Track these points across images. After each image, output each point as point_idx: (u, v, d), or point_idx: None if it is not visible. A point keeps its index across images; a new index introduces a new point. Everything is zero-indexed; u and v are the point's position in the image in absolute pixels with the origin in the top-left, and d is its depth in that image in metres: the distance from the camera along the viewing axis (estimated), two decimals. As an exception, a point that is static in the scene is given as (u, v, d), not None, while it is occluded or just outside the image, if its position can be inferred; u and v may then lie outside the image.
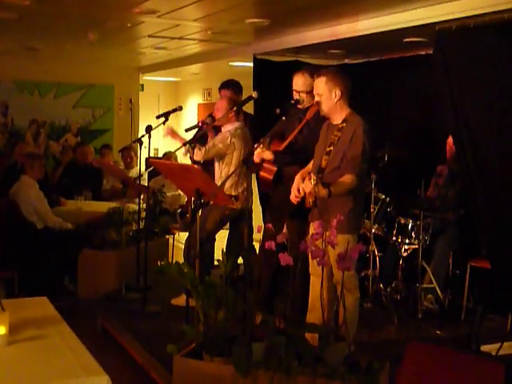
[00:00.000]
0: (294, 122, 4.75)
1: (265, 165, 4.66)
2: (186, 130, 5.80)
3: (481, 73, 4.33)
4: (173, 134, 5.65)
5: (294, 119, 4.77)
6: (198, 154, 5.30)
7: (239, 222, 5.63)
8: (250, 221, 5.41)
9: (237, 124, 5.45)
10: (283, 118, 4.36)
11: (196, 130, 5.70)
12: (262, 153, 4.66)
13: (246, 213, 5.37)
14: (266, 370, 3.24)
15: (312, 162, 4.37)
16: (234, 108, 5.13)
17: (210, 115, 5.61)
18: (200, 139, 5.41)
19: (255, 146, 4.49)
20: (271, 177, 4.66)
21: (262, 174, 4.68)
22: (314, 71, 4.76)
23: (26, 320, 3.08)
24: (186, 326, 3.61)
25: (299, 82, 4.72)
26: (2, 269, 5.64)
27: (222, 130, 5.46)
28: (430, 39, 4.85)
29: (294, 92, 4.74)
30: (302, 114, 4.71)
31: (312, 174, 3.82)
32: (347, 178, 3.97)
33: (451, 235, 5.68)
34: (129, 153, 8.27)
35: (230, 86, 6.03)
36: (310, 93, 4.63)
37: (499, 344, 4.43)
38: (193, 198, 4.39)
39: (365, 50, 6.77)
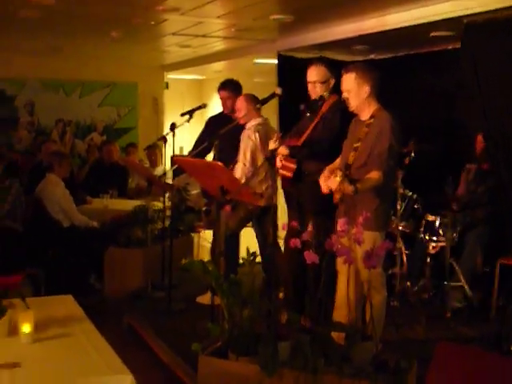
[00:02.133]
0: (310, 118, 4.73)
1: (284, 162, 4.62)
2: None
3: (509, 66, 4.24)
4: None
5: (310, 116, 4.75)
6: (241, 171, 5.30)
7: (263, 219, 5.60)
8: (275, 218, 5.38)
9: (259, 119, 5.47)
10: (308, 114, 4.32)
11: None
12: (275, 146, 4.62)
13: (271, 210, 5.36)
14: (292, 369, 3.21)
15: (339, 158, 4.32)
16: (258, 105, 5.08)
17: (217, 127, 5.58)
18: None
19: (270, 144, 4.47)
20: (290, 174, 4.62)
21: (281, 171, 4.63)
22: (328, 62, 4.76)
23: (51, 318, 3.09)
24: (211, 324, 3.59)
25: (313, 72, 4.71)
26: (28, 267, 5.66)
27: (246, 126, 5.45)
28: (458, 33, 4.76)
29: (309, 84, 4.72)
30: (309, 108, 4.68)
31: (338, 171, 3.76)
32: (374, 175, 3.91)
33: (481, 232, 5.59)
34: (154, 151, 8.28)
35: (227, 86, 6.06)
36: (325, 83, 4.64)
37: (530, 343, 4.34)
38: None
39: (391, 45, 6.68)
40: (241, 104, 5.55)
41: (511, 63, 4.23)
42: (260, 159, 5.35)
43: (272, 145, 4.66)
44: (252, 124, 5.43)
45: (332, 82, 4.72)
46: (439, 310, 5.41)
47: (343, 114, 4.43)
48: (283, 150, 4.59)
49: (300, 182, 4.67)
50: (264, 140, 5.39)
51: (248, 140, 5.38)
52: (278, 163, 4.58)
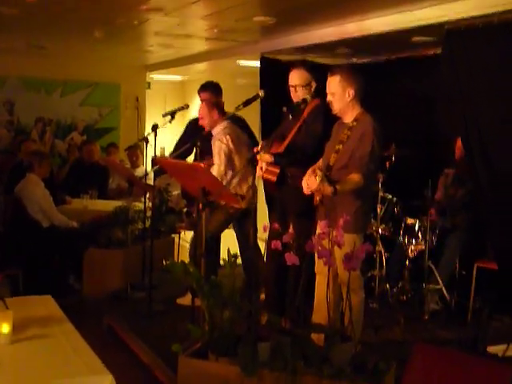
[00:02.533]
0: (292, 121, 4.75)
1: (267, 167, 4.64)
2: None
3: (490, 73, 4.29)
4: None
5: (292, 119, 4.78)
6: (216, 172, 5.30)
7: (244, 221, 5.62)
8: (255, 220, 5.39)
9: (224, 123, 5.47)
10: (290, 116, 4.34)
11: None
12: (262, 156, 4.63)
13: (251, 212, 5.38)
14: (272, 370, 3.23)
15: (321, 159, 4.36)
16: (240, 106, 5.07)
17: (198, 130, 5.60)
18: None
19: (255, 149, 4.49)
20: (274, 178, 4.65)
21: (265, 175, 4.66)
22: (309, 65, 4.79)
23: (29, 318, 3.07)
24: (191, 325, 3.59)
25: (295, 76, 4.75)
26: (6, 267, 5.62)
27: (213, 133, 5.46)
28: (439, 39, 4.81)
29: (291, 88, 4.76)
30: (291, 111, 4.71)
31: (318, 171, 3.79)
32: (354, 177, 3.95)
33: (460, 236, 5.65)
34: (135, 151, 8.25)
35: (208, 88, 6.08)
36: (306, 86, 4.68)
37: (506, 345, 4.39)
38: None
39: (372, 49, 6.73)
40: (203, 111, 5.55)
41: (491, 69, 4.28)
42: (237, 161, 5.36)
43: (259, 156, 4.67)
44: (218, 130, 5.44)
45: (313, 85, 4.75)
46: (417, 312, 5.46)
47: (325, 118, 4.47)
48: (268, 158, 4.61)
49: (283, 185, 4.70)
50: (236, 142, 5.40)
51: (220, 143, 5.37)
52: (262, 168, 4.59)
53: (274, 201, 5.10)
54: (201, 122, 5.58)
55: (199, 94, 6.10)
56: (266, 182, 4.81)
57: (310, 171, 4.21)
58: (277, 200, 5.03)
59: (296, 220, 4.66)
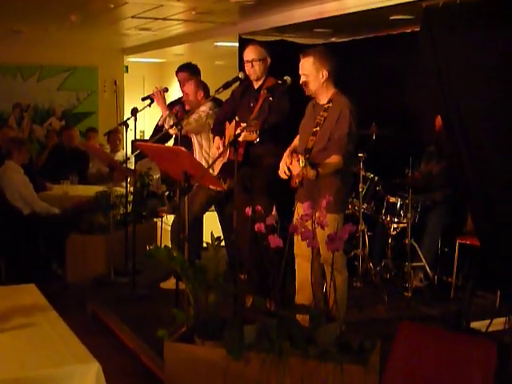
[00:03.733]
0: (249, 102, 4.81)
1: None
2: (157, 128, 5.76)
3: (468, 50, 4.29)
4: (159, 97, 5.50)
5: (249, 99, 4.85)
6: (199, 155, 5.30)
7: (225, 203, 5.62)
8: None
9: (209, 104, 5.42)
10: (270, 98, 4.31)
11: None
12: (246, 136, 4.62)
13: (233, 194, 5.36)
14: (258, 352, 3.24)
15: (296, 142, 4.36)
16: (221, 89, 5.03)
17: (179, 101, 5.58)
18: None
19: (238, 129, 4.48)
20: (240, 158, 4.67)
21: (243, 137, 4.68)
22: (264, 43, 4.82)
23: (14, 308, 3.05)
24: (176, 310, 3.59)
25: (250, 51, 4.82)
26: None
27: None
28: (417, 16, 4.80)
29: (247, 64, 4.82)
30: (256, 92, 4.77)
31: (300, 156, 3.79)
32: (334, 159, 3.96)
33: (440, 212, 5.68)
34: (114, 136, 8.19)
35: (185, 68, 6.07)
36: (262, 61, 4.77)
37: (489, 321, 4.44)
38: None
39: (351, 28, 6.71)
40: (188, 88, 5.51)
41: (469, 47, 4.28)
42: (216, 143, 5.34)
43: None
44: (201, 110, 5.38)
45: (268, 60, 4.84)
46: (401, 290, 5.50)
47: (292, 97, 4.48)
48: (253, 137, 4.59)
49: (248, 166, 4.72)
50: None
51: (198, 121, 5.33)
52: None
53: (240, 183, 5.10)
54: (185, 99, 5.55)
55: (177, 74, 6.07)
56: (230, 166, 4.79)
57: (287, 154, 4.22)
58: (242, 182, 5.02)
59: (267, 200, 4.69)
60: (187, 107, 5.51)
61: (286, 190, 4.36)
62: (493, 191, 4.28)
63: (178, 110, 5.56)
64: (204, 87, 5.55)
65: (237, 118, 4.88)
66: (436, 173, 5.81)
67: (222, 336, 3.31)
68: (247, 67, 4.81)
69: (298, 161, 3.73)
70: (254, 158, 4.76)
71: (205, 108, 5.37)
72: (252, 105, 4.79)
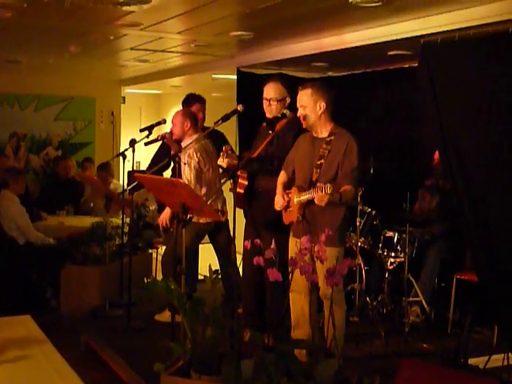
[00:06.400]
0: (265, 134, 4.76)
1: (239, 180, 4.65)
2: (146, 144, 5.75)
3: (466, 86, 4.32)
4: (170, 140, 5.52)
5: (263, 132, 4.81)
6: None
7: (217, 235, 5.60)
8: (229, 233, 5.37)
9: (195, 136, 5.41)
10: (270, 131, 4.34)
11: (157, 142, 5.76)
12: (224, 160, 4.64)
13: (225, 226, 5.36)
14: (256, 387, 3.19)
15: (284, 175, 4.37)
16: (220, 122, 5.03)
17: (170, 132, 5.60)
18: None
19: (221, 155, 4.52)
20: (241, 190, 4.66)
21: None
22: (285, 79, 4.80)
23: (9, 340, 3.00)
24: (172, 343, 3.54)
25: (270, 89, 4.74)
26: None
27: (182, 144, 5.39)
28: (415, 52, 4.85)
29: (265, 101, 4.75)
30: (270, 125, 4.71)
31: (328, 184, 3.79)
32: (349, 188, 4.00)
33: (440, 247, 5.68)
34: (107, 171, 8.09)
35: (199, 98, 6.09)
36: (281, 101, 4.69)
37: (487, 357, 4.41)
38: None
39: (349, 62, 6.77)
40: (176, 119, 5.48)
41: (466, 83, 4.32)
42: (209, 175, 5.33)
43: (219, 161, 4.68)
44: (187, 142, 5.35)
45: (288, 100, 4.75)
46: (398, 325, 5.47)
47: (297, 132, 4.47)
48: (233, 162, 4.61)
49: (252, 199, 4.71)
50: (206, 157, 5.34)
51: (189, 158, 5.30)
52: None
53: (246, 216, 5.09)
54: (172, 129, 5.53)
55: (191, 105, 5.99)
56: (236, 197, 4.79)
57: (280, 189, 4.26)
58: (247, 215, 5.02)
59: (268, 234, 4.66)
60: (174, 137, 5.50)
61: (283, 225, 4.37)
62: (491, 228, 4.27)
63: (165, 136, 5.58)
64: (193, 118, 5.53)
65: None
66: (434, 207, 5.81)
67: (219, 371, 3.26)
68: (265, 104, 4.74)
69: (323, 190, 3.74)
70: (257, 191, 4.74)
71: (190, 141, 5.33)
72: (264, 138, 4.76)
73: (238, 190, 4.65)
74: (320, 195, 3.81)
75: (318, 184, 3.94)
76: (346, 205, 4.12)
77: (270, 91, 4.74)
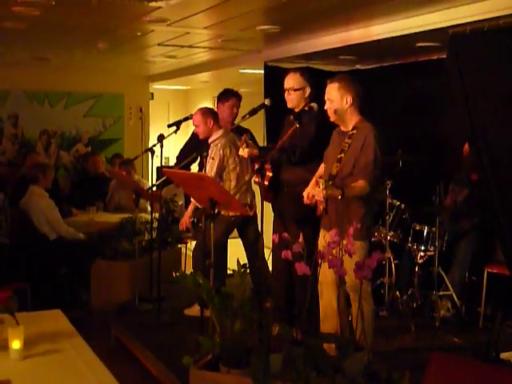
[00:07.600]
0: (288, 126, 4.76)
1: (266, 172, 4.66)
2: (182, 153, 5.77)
3: (495, 76, 4.27)
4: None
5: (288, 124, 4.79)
6: None
7: (246, 229, 5.60)
8: (257, 227, 5.36)
9: (220, 132, 5.41)
10: (297, 125, 4.32)
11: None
12: (244, 150, 4.65)
13: (254, 219, 5.34)
14: (284, 381, 3.19)
15: (322, 168, 4.37)
16: (247, 116, 5.03)
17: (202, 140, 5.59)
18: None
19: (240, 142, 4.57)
20: (266, 182, 4.66)
21: (256, 180, 4.68)
22: (305, 71, 4.81)
23: (40, 334, 3.05)
24: (201, 337, 3.56)
25: (289, 79, 4.80)
26: (14, 281, 5.61)
27: (209, 141, 5.41)
28: (443, 43, 4.79)
29: (285, 91, 4.79)
30: (297, 118, 4.71)
31: (320, 179, 3.80)
32: (360, 183, 3.99)
33: (470, 240, 5.62)
34: (128, 167, 8.12)
35: (235, 93, 6.01)
36: (299, 90, 4.73)
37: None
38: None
39: (377, 55, 6.71)
40: (197, 119, 5.49)
41: (495, 73, 4.26)
42: (236, 169, 5.34)
43: (240, 152, 4.70)
44: (213, 138, 5.37)
45: (308, 90, 4.78)
46: (428, 319, 5.42)
47: (319, 122, 4.47)
48: (253, 151, 4.63)
49: (278, 192, 4.71)
50: (234, 150, 5.34)
51: (216, 151, 5.31)
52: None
53: (274, 209, 5.09)
54: (196, 130, 5.56)
55: (227, 100, 5.92)
56: (262, 190, 4.79)
57: (313, 182, 4.22)
58: (275, 208, 5.02)
59: (295, 227, 4.65)
60: (200, 136, 5.51)
61: (313, 218, 4.34)
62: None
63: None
64: (213, 114, 5.53)
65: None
66: (464, 200, 5.74)
67: (247, 364, 3.26)
68: (286, 95, 4.80)
69: (319, 185, 3.74)
70: (282, 183, 4.75)
71: (217, 141, 5.34)
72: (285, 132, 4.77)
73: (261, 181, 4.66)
74: (317, 190, 3.81)
75: (317, 179, 3.95)
76: (369, 199, 4.09)
77: (289, 81, 4.80)
